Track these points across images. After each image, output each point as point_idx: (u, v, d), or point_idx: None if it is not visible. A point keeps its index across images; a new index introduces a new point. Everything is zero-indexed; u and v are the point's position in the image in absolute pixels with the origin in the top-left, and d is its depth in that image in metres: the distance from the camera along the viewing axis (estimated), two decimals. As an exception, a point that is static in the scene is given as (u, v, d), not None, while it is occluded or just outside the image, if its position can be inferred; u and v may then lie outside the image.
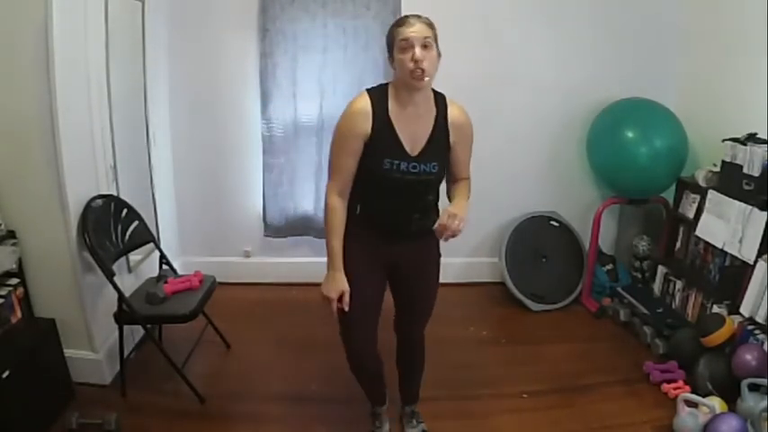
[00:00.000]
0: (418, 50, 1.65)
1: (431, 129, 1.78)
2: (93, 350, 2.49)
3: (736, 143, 2.64)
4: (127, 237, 2.62)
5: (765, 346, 2.33)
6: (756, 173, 2.50)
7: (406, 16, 1.73)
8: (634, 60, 3.45)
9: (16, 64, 2.16)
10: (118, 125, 2.64)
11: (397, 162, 1.73)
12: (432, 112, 1.80)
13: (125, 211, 2.64)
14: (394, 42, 1.70)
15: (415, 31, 1.66)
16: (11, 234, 2.28)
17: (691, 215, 2.96)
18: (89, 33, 2.39)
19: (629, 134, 3.09)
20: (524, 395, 2.56)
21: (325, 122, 3.40)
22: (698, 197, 2.92)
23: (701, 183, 2.86)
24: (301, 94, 3.37)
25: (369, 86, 1.84)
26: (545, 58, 3.45)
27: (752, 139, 2.62)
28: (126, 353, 2.51)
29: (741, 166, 2.58)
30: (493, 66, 3.45)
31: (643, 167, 3.06)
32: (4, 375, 1.99)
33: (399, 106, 1.75)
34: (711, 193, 2.77)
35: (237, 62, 3.39)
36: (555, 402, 2.52)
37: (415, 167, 1.75)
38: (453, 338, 3.05)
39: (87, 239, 2.31)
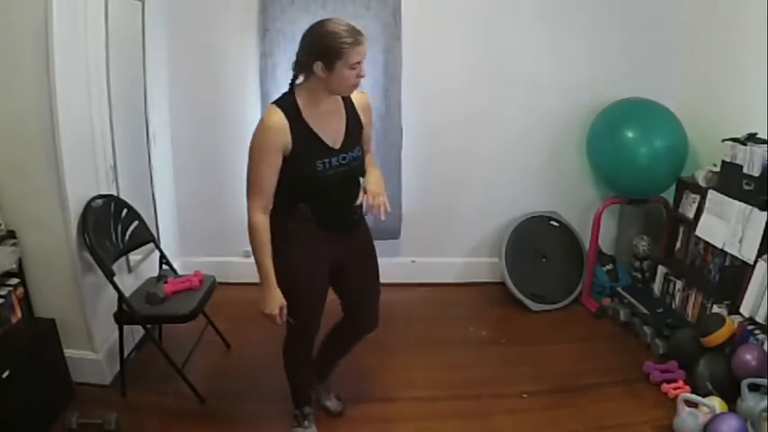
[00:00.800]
0: (364, 67, 1.75)
1: (345, 119, 1.88)
2: (93, 350, 2.49)
3: (736, 143, 2.64)
4: (127, 237, 2.62)
5: (765, 346, 2.33)
6: (756, 173, 2.50)
7: (358, 33, 1.75)
8: (634, 60, 3.45)
9: (16, 64, 2.16)
10: (118, 125, 2.64)
11: (327, 160, 1.81)
12: (340, 104, 1.88)
13: (125, 211, 2.64)
14: (340, 56, 1.70)
15: (364, 51, 1.75)
16: (11, 234, 2.28)
17: (691, 215, 2.96)
18: (89, 33, 2.40)
19: (629, 134, 3.08)
20: (524, 395, 2.56)
21: (325, 122, 3.40)
22: (698, 197, 2.92)
23: (701, 183, 2.86)
24: (301, 94, 3.37)
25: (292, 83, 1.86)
26: (545, 58, 3.45)
27: (752, 139, 2.62)
28: (126, 353, 2.51)
29: (741, 166, 2.58)
30: (493, 66, 3.45)
31: (643, 167, 3.06)
32: (4, 375, 1.99)
33: (312, 109, 1.80)
34: (711, 193, 2.77)
35: (237, 62, 3.39)
36: (555, 402, 2.52)
37: (344, 158, 1.84)
38: (453, 338, 3.05)
39: (87, 239, 2.31)
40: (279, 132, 1.75)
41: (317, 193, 1.86)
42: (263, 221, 1.83)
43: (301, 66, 1.79)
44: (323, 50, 1.72)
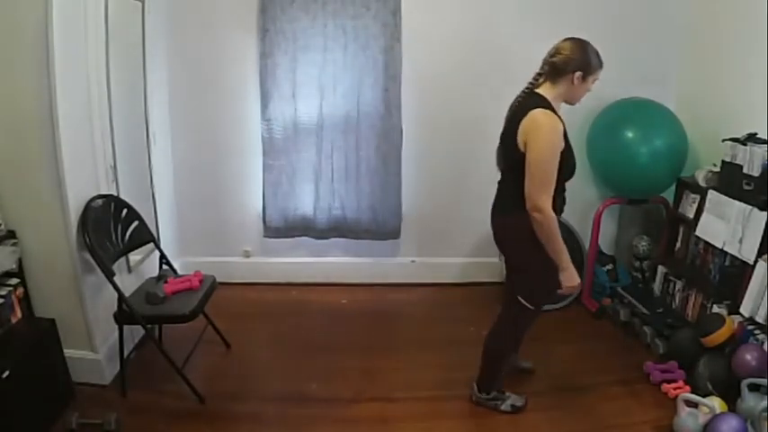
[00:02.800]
0: None
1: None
2: (93, 350, 2.49)
3: (736, 143, 2.64)
4: (127, 237, 2.62)
5: (765, 346, 2.33)
6: (756, 173, 2.50)
7: (602, 62, 2.13)
8: (634, 60, 3.44)
9: (16, 64, 2.16)
10: (118, 125, 2.64)
11: (571, 154, 2.09)
12: None
13: (125, 211, 2.64)
14: (592, 73, 2.09)
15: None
16: (11, 234, 2.28)
17: (691, 215, 2.96)
18: (89, 33, 2.40)
19: (629, 134, 3.08)
20: (524, 395, 2.56)
21: (324, 122, 3.40)
22: (698, 197, 2.92)
23: (701, 183, 2.86)
24: (301, 95, 3.37)
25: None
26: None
27: (752, 139, 2.62)
28: (126, 353, 2.51)
29: (741, 166, 2.58)
30: (493, 66, 3.45)
31: (643, 167, 3.06)
32: (4, 375, 1.99)
33: (559, 113, 2.07)
34: (711, 193, 2.77)
35: (237, 62, 3.39)
36: (555, 402, 2.52)
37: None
38: (453, 338, 3.05)
39: (87, 239, 2.31)
40: (561, 134, 1.99)
41: (559, 186, 2.07)
42: (553, 215, 2.02)
43: (559, 73, 2.06)
44: (588, 63, 2.05)
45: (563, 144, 1.99)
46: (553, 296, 2.25)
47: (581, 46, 2.06)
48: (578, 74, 2.03)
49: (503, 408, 2.43)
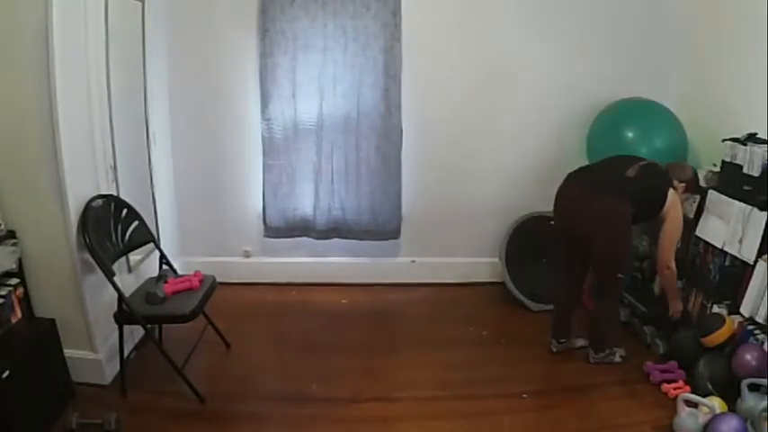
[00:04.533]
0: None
1: None
2: (93, 350, 2.49)
3: (736, 143, 2.64)
4: (127, 237, 2.62)
5: (765, 346, 2.33)
6: (756, 173, 2.50)
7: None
8: (634, 60, 3.45)
9: (16, 64, 2.16)
10: (118, 125, 2.64)
11: None
12: None
13: (125, 211, 2.64)
14: (693, 190, 2.72)
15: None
16: (11, 234, 2.28)
17: (691, 215, 2.96)
18: (89, 33, 2.40)
19: (629, 134, 3.08)
20: (524, 395, 2.56)
21: (324, 123, 3.40)
22: (698, 197, 2.91)
23: (701, 183, 2.85)
24: (301, 95, 3.37)
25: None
26: (545, 58, 3.45)
27: (752, 139, 2.62)
28: (126, 353, 2.51)
29: (741, 166, 2.58)
30: (493, 66, 3.45)
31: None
32: (4, 375, 1.99)
33: None
34: (711, 193, 2.77)
35: (237, 62, 3.39)
36: (555, 402, 2.53)
37: None
38: (453, 338, 3.06)
39: (87, 239, 2.31)
40: None
41: None
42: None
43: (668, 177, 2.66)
44: (690, 179, 2.68)
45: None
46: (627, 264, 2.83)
47: (691, 169, 2.73)
48: (682, 185, 2.64)
49: (616, 359, 2.80)
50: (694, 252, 2.95)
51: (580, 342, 2.91)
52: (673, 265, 2.64)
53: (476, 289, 3.69)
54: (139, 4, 2.92)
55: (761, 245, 2.42)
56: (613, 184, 2.56)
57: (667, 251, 2.62)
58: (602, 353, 2.79)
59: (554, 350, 2.89)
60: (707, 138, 3.05)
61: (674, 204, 2.56)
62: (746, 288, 2.46)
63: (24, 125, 2.21)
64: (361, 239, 3.62)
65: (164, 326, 2.77)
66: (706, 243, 2.81)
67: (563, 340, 2.90)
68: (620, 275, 2.63)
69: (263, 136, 3.44)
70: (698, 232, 2.85)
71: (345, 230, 3.61)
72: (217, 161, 3.57)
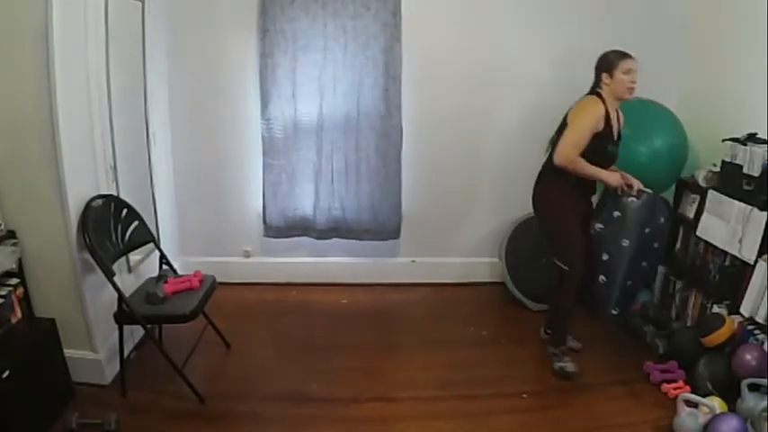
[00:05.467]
0: (635, 76, 2.50)
1: (622, 123, 2.64)
2: (93, 350, 2.49)
3: (736, 143, 2.64)
4: (127, 237, 2.62)
5: (765, 346, 2.33)
6: (756, 173, 2.50)
7: (626, 54, 2.53)
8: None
9: (16, 64, 2.16)
10: (118, 125, 2.64)
11: (612, 146, 2.57)
12: (619, 112, 2.63)
13: (125, 211, 2.64)
14: (617, 66, 2.49)
15: (635, 63, 2.52)
16: (11, 234, 2.28)
17: (691, 215, 2.96)
18: (89, 33, 2.40)
19: (629, 134, 3.07)
20: (524, 395, 2.56)
21: (324, 122, 3.40)
22: (698, 197, 2.92)
23: (701, 183, 2.86)
24: (301, 95, 3.37)
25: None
26: (545, 58, 3.45)
27: (752, 139, 2.62)
28: (126, 353, 2.51)
29: (741, 166, 2.58)
30: (492, 65, 3.45)
31: (643, 167, 3.05)
32: (4, 375, 1.99)
33: (610, 108, 2.52)
34: (711, 193, 2.77)
35: (237, 62, 3.39)
36: (555, 402, 2.53)
37: (615, 146, 2.61)
38: (453, 338, 3.06)
39: (87, 239, 2.31)
40: (601, 118, 2.48)
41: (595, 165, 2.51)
42: (581, 160, 2.48)
43: (596, 82, 2.57)
44: (607, 61, 2.53)
45: (601, 126, 2.47)
46: (575, 253, 2.59)
47: (601, 55, 2.57)
48: (604, 74, 2.52)
49: (555, 367, 2.71)
50: (694, 252, 2.96)
51: (573, 343, 2.90)
52: (574, 157, 2.46)
53: (476, 289, 3.69)
54: (139, 4, 2.92)
55: (761, 245, 2.42)
56: (543, 167, 2.68)
57: (566, 143, 2.46)
58: (555, 348, 2.76)
59: (541, 338, 2.97)
60: (707, 138, 3.05)
61: (580, 105, 2.52)
62: (746, 288, 2.46)
63: (24, 125, 2.21)
64: (361, 239, 3.62)
65: (164, 326, 2.77)
66: (706, 243, 2.81)
67: (549, 332, 2.92)
68: (566, 267, 2.59)
69: (263, 136, 3.44)
70: (698, 232, 2.85)
71: (345, 230, 3.61)
72: (217, 161, 3.57)
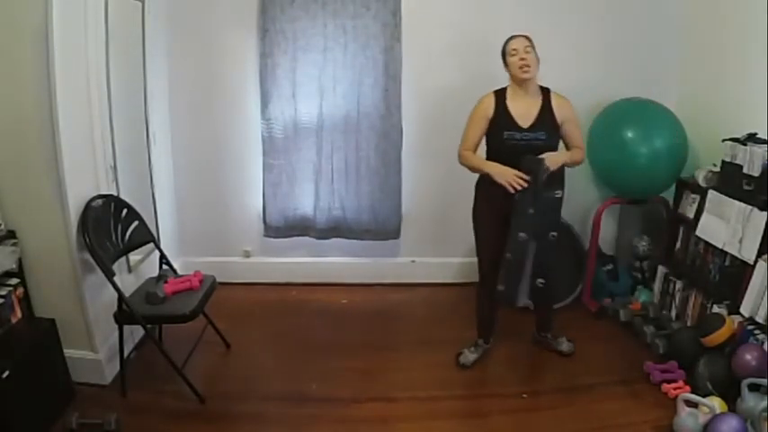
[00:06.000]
0: (522, 52, 2.43)
1: (538, 110, 2.49)
2: (93, 350, 2.49)
3: (736, 143, 2.64)
4: (127, 237, 2.62)
5: (765, 346, 2.33)
6: (756, 173, 2.50)
7: (513, 35, 2.51)
8: (634, 60, 3.45)
9: (16, 64, 2.16)
10: (118, 125, 2.64)
11: (512, 132, 2.45)
12: (538, 98, 2.51)
13: (125, 211, 2.64)
14: (505, 51, 2.50)
15: (518, 41, 2.46)
16: (11, 234, 2.28)
17: (691, 215, 2.96)
18: (89, 33, 2.40)
19: (629, 134, 3.08)
20: (524, 395, 2.56)
21: (324, 122, 3.40)
22: (698, 197, 2.92)
23: (701, 183, 2.86)
24: (301, 95, 3.37)
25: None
26: (545, 59, 3.43)
27: (752, 139, 2.62)
28: (126, 353, 2.51)
29: (741, 166, 2.58)
30: (493, 66, 3.43)
31: (643, 167, 3.06)
32: (4, 375, 1.99)
33: (514, 96, 2.50)
34: (711, 193, 2.77)
35: (237, 62, 3.39)
36: (555, 402, 2.52)
37: (526, 135, 2.44)
38: (453, 338, 3.05)
39: (87, 239, 2.31)
40: (486, 105, 2.52)
41: (501, 156, 2.45)
42: (468, 153, 2.54)
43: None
44: (502, 55, 2.54)
45: (490, 113, 2.49)
46: (481, 254, 2.65)
47: None
48: (503, 64, 2.53)
49: (461, 357, 2.80)
50: (694, 252, 2.96)
51: (557, 346, 2.91)
52: (461, 152, 2.56)
53: (476, 289, 3.68)
54: (139, 4, 2.92)
55: (761, 245, 2.42)
56: None
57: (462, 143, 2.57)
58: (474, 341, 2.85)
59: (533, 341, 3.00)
60: (707, 138, 3.05)
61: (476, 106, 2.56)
62: (746, 288, 2.46)
63: (24, 125, 2.21)
64: (361, 239, 3.62)
65: (164, 326, 2.77)
66: (706, 243, 2.81)
67: (543, 334, 2.95)
68: (479, 259, 2.66)
69: (263, 136, 3.44)
70: (698, 232, 2.85)
71: (345, 230, 3.61)
72: (217, 161, 3.57)
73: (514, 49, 2.45)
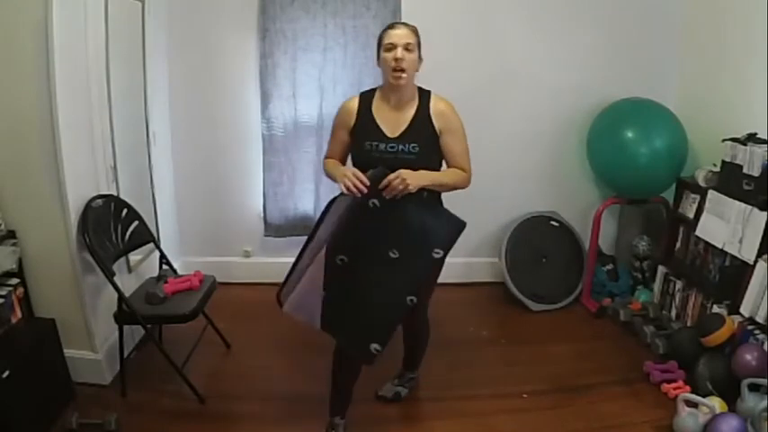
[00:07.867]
0: (399, 51, 1.94)
1: (411, 116, 2.04)
2: (93, 350, 2.49)
3: (736, 143, 2.64)
4: (127, 237, 2.62)
5: (765, 346, 2.33)
6: (756, 173, 2.50)
7: (396, 22, 2.08)
8: (634, 60, 3.45)
9: (16, 64, 2.16)
10: (118, 125, 2.64)
11: (375, 143, 2.02)
12: (414, 103, 2.06)
13: (125, 211, 2.64)
14: (380, 44, 2.00)
15: (398, 35, 1.96)
16: (11, 234, 2.28)
17: (691, 215, 2.96)
18: (89, 33, 2.40)
19: (629, 134, 3.09)
20: (524, 395, 2.56)
21: (324, 122, 3.40)
22: (698, 197, 2.92)
23: (701, 183, 2.86)
24: (301, 94, 3.37)
25: (366, 88, 2.17)
26: (545, 59, 3.45)
27: (752, 139, 2.62)
28: (126, 353, 2.51)
29: (741, 166, 2.58)
30: (493, 66, 3.45)
31: (643, 167, 3.06)
32: (4, 375, 1.99)
33: (383, 100, 2.07)
34: (711, 193, 2.77)
35: (237, 62, 3.39)
36: (555, 402, 2.52)
37: (393, 147, 2.01)
38: (453, 338, 3.05)
39: (87, 239, 2.31)
40: (346, 112, 2.11)
41: (363, 169, 1.95)
42: (327, 161, 2.16)
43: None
44: (377, 45, 2.04)
45: (351, 122, 2.08)
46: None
47: None
48: (377, 58, 2.05)
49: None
50: (694, 252, 2.96)
51: (380, 392, 2.54)
52: (324, 162, 2.20)
53: (476, 289, 3.69)
54: (139, 4, 2.92)
55: (761, 245, 2.43)
56: None
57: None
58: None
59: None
60: (707, 138, 3.05)
61: None
62: (746, 288, 2.46)
63: (24, 125, 2.21)
64: (361, 239, 3.61)
65: (164, 326, 2.77)
66: (706, 243, 2.81)
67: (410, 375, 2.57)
68: None
69: (263, 135, 3.44)
70: (698, 232, 2.85)
71: (345, 230, 3.60)
72: (217, 161, 3.57)
73: (391, 44, 1.94)
